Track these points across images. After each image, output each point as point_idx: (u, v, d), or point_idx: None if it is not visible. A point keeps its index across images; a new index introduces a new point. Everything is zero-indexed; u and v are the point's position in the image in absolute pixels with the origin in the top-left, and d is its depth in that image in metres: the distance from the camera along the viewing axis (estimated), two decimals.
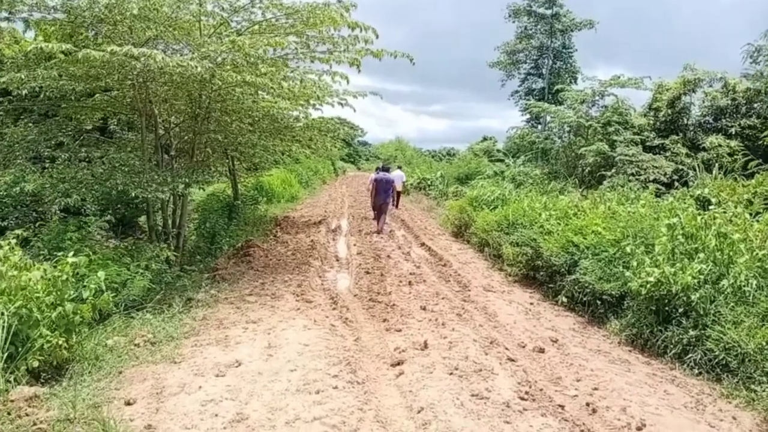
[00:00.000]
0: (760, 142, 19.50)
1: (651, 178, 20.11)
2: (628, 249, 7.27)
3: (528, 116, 40.89)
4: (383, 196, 15.75)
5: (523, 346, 6.36)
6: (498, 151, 41.78)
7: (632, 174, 20.10)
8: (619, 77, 25.70)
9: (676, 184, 17.40)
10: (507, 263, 11.14)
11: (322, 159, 52.71)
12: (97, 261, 6.95)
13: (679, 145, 21.64)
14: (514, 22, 43.24)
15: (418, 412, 4.47)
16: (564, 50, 44.49)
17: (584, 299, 8.12)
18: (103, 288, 6.05)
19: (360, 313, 7.26)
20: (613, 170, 21.36)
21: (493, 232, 12.53)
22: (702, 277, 6.41)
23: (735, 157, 20.04)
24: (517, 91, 45.98)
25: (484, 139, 50.85)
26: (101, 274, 6.16)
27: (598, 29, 41.35)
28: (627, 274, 7.03)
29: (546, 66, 44.47)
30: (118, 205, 12.55)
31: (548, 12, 41.37)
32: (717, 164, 18.01)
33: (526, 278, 10.37)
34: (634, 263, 7.10)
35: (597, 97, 26.36)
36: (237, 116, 11.53)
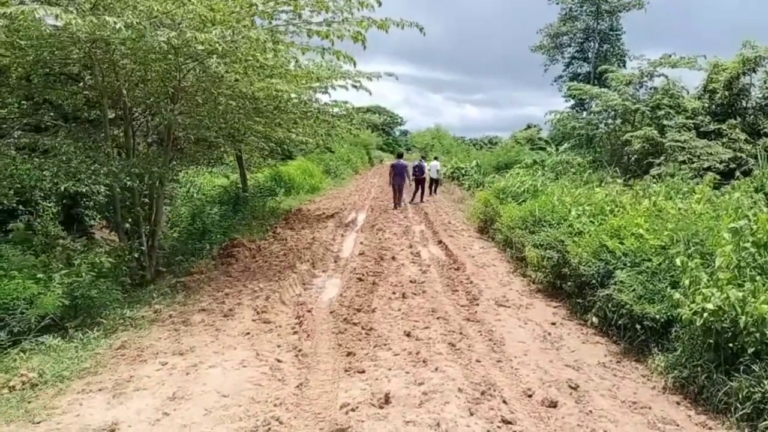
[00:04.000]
0: None
1: (705, 166, 17.91)
2: (678, 261, 5.46)
3: (572, 102, 38.52)
4: (398, 178, 19.04)
5: (530, 395, 4.66)
6: (540, 139, 39.59)
7: (683, 162, 17.95)
8: (670, 56, 23.27)
9: (737, 173, 15.17)
10: (531, 268, 9.40)
11: (356, 147, 51.57)
12: None
13: (737, 130, 19.31)
14: (557, 3, 40.69)
15: None
16: (611, 32, 41.85)
17: (620, 321, 6.35)
18: None
19: (323, 342, 5.69)
20: (662, 158, 19.20)
21: (517, 229, 10.76)
22: None
23: None
24: (561, 76, 43.55)
25: (528, 127, 48.51)
26: None
27: (648, 9, 38.36)
28: (676, 296, 5.23)
29: (592, 49, 41.89)
30: (64, 200, 11.27)
31: None
32: None
33: (552, 287, 8.61)
34: (686, 281, 5.29)
35: (645, 79, 23.99)
36: (224, 98, 10.07)
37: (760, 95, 20.53)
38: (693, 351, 5.12)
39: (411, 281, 8.66)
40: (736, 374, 4.60)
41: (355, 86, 14.06)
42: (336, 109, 16.25)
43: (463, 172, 32.00)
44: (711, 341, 4.87)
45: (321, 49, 9.77)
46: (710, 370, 4.83)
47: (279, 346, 5.56)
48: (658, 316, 5.76)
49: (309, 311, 6.91)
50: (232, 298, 7.37)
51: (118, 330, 6.02)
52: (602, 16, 40.53)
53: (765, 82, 20.10)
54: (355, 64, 10.05)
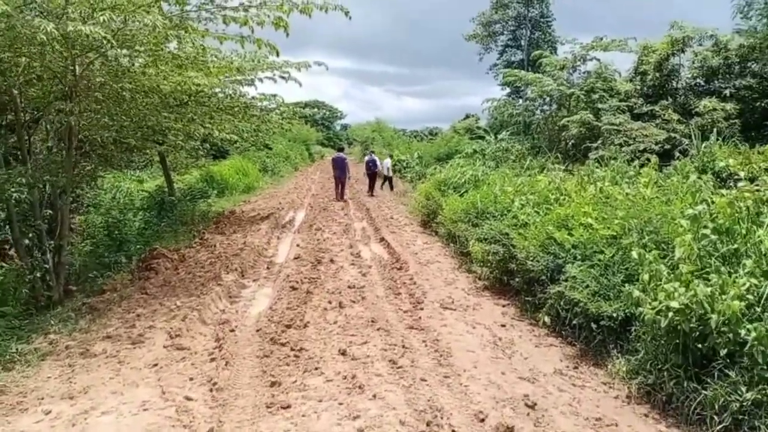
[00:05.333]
0: (758, 104, 17.46)
1: (641, 148, 17.99)
2: (634, 253, 4.97)
3: (508, 90, 38.66)
4: (338, 171, 19.80)
5: (482, 420, 4.04)
6: (479, 128, 39.61)
7: (620, 144, 17.98)
8: (601, 39, 23.34)
9: (677, 154, 15.18)
10: (476, 263, 8.87)
11: (296, 144, 50.34)
12: None
13: (670, 110, 19.47)
14: None
15: None
16: (542, 19, 42.27)
17: (574, 321, 5.85)
18: None
19: (245, 370, 4.91)
20: (599, 141, 19.19)
21: (459, 222, 10.22)
22: (753, 298, 4.13)
23: (732, 121, 18.07)
24: (495, 65, 43.71)
25: (467, 116, 48.50)
26: None
27: None
28: (635, 293, 4.73)
29: (524, 37, 42.21)
30: None
31: None
32: (715, 130, 15.84)
33: (500, 283, 8.10)
34: (645, 276, 4.80)
35: (578, 63, 24.00)
36: (128, 93, 9.00)
37: (690, 75, 20.82)
38: (657, 353, 4.64)
39: (350, 286, 7.94)
40: (708, 380, 4.12)
41: (283, 77, 13.19)
42: (265, 103, 15.32)
43: (404, 164, 31.51)
44: (678, 342, 4.39)
45: (240, 38, 8.88)
46: (678, 376, 4.35)
47: (191, 379, 4.75)
48: (615, 315, 5.27)
49: (232, 331, 6.09)
50: (144, 320, 6.46)
51: (0, 370, 5.05)
52: (532, 3, 40.87)
53: (693, 62, 20.41)
54: (278, 54, 9.26)
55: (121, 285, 8.45)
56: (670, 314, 4.28)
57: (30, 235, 8.79)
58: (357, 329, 6.00)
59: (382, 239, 12.11)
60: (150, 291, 7.83)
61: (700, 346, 4.29)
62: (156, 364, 5.11)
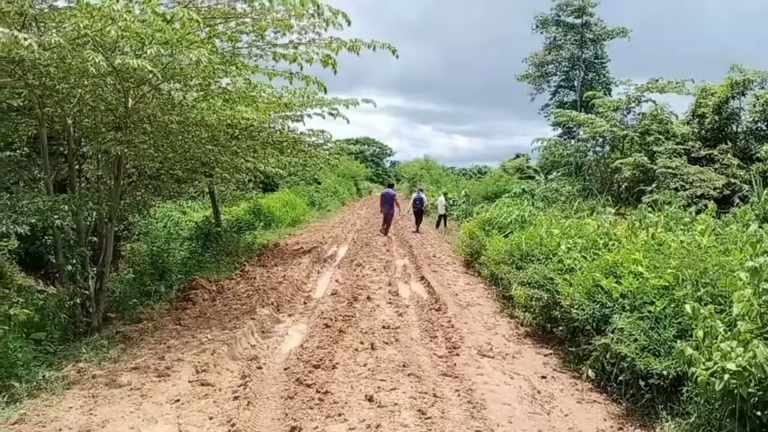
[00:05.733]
0: None
1: (698, 193, 17.27)
2: (687, 307, 4.58)
3: (560, 131, 38.18)
4: (386, 207, 19.81)
5: None
6: (529, 167, 39.16)
7: (676, 189, 17.31)
8: (657, 80, 22.82)
9: (736, 201, 14.45)
10: (518, 308, 8.50)
11: (344, 179, 50.88)
12: None
13: (729, 155, 18.76)
14: (542, 33, 40.65)
15: None
16: (596, 61, 41.78)
17: (620, 377, 5.44)
18: None
19: (266, 411, 4.73)
20: (654, 185, 18.58)
21: (503, 264, 9.89)
22: None
23: None
24: (547, 105, 43.28)
25: (517, 156, 48.06)
26: None
27: (632, 37, 38.31)
28: (688, 351, 4.33)
29: (578, 78, 41.76)
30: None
31: (578, 21, 38.72)
32: None
33: (542, 330, 7.71)
34: (699, 333, 4.40)
35: (633, 104, 23.52)
36: (176, 125, 9.19)
37: (750, 119, 20.04)
38: (711, 419, 4.22)
39: (384, 327, 7.71)
40: None
41: (332, 114, 13.36)
42: (313, 138, 15.50)
43: (451, 202, 31.29)
44: (734, 408, 3.98)
45: (289, 74, 8.99)
46: None
47: (211, 418, 4.59)
48: (665, 373, 4.86)
49: (259, 368, 5.94)
50: (174, 351, 6.39)
51: (25, 397, 5.03)
52: (586, 44, 40.48)
53: (754, 106, 19.64)
54: (325, 90, 9.29)
55: (158, 314, 8.47)
56: (726, 376, 3.88)
57: (73, 261, 8.97)
58: (387, 373, 5.75)
59: (423, 278, 11.86)
60: (184, 322, 7.81)
61: (759, 413, 3.88)
62: (178, 400, 4.98)
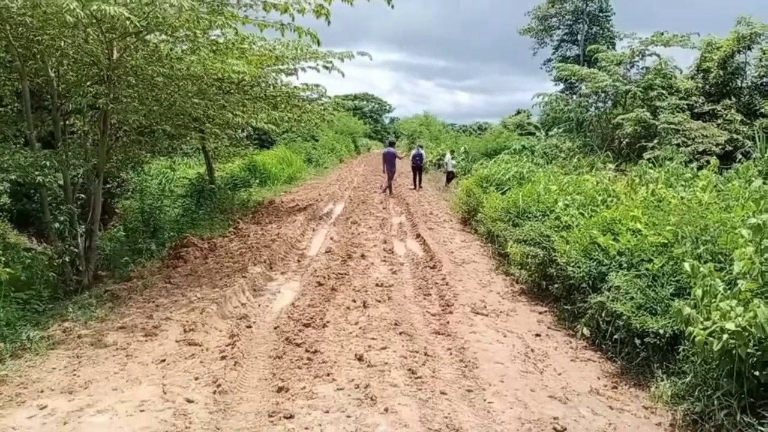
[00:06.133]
0: None
1: (701, 149, 16.99)
2: (686, 266, 4.42)
3: (562, 86, 37.56)
4: (388, 165, 20.05)
5: None
6: (530, 124, 38.69)
7: (678, 145, 17.02)
8: (662, 34, 22.21)
9: (739, 156, 14.20)
10: (514, 265, 8.38)
11: (342, 135, 50.30)
12: None
13: (732, 110, 18.39)
14: None
15: None
16: (600, 14, 40.84)
17: (615, 335, 5.33)
18: None
19: (254, 371, 4.63)
20: (656, 141, 18.27)
21: (499, 222, 9.72)
22: None
23: None
24: (550, 60, 42.49)
25: (518, 112, 47.43)
26: None
27: None
28: (686, 311, 4.19)
29: (581, 32, 40.87)
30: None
31: None
32: None
33: (538, 288, 7.59)
34: (698, 291, 4.25)
35: (637, 58, 22.95)
36: (168, 79, 8.86)
37: (756, 74, 19.59)
38: (707, 378, 4.11)
39: (377, 284, 7.60)
40: (765, 413, 3.60)
41: (326, 67, 12.96)
42: (307, 93, 15.11)
43: (456, 161, 30.91)
44: (731, 368, 3.87)
45: (280, 25, 8.62)
46: (730, 406, 3.81)
47: (196, 379, 4.48)
48: (662, 332, 4.75)
49: (249, 327, 5.84)
50: (162, 310, 6.27)
51: (8, 358, 4.92)
52: None
53: (761, 60, 19.16)
54: (319, 43, 8.97)
55: (149, 272, 8.35)
56: (725, 336, 3.75)
57: (62, 218, 8.79)
58: (378, 332, 5.64)
59: (419, 235, 11.72)
60: (175, 280, 7.68)
61: (757, 373, 3.76)
62: (164, 360, 4.88)
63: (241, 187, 19.44)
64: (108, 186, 17.52)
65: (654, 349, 4.91)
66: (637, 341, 5.06)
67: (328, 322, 5.95)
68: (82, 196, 9.23)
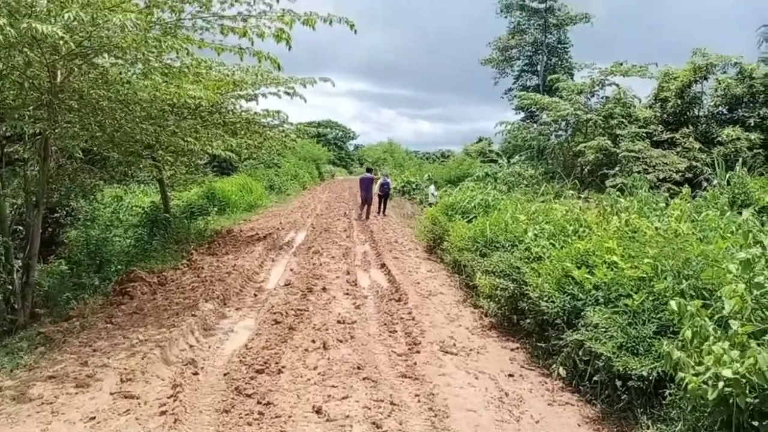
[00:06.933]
0: None
1: (661, 176, 17.19)
2: (673, 304, 4.08)
3: (523, 115, 38.08)
4: (363, 192, 20.30)
5: None
6: (491, 151, 39.00)
7: (638, 172, 17.18)
8: (621, 64, 22.65)
9: (704, 184, 14.31)
10: (483, 297, 8.00)
11: (305, 162, 49.80)
12: None
13: (690, 138, 18.76)
14: (506, 17, 40.43)
15: None
16: (559, 45, 41.83)
17: (595, 377, 4.96)
18: None
19: (196, 428, 4.07)
20: (617, 168, 18.45)
21: (466, 251, 9.37)
22: None
23: (756, 151, 17.27)
24: (510, 89, 43.12)
25: (480, 140, 47.94)
26: None
27: (595, 23, 38.40)
28: (675, 354, 3.83)
29: (541, 62, 41.65)
30: None
31: (542, 6, 38.63)
32: (740, 160, 14.89)
33: (508, 322, 7.22)
34: (688, 332, 3.91)
35: (597, 87, 23.32)
36: (112, 103, 8.25)
37: (712, 103, 20.10)
38: (698, 427, 3.76)
39: (339, 321, 7.10)
40: None
41: (288, 93, 12.56)
42: (268, 119, 14.65)
43: (414, 186, 30.76)
44: (728, 418, 3.52)
45: (238, 49, 8.18)
46: None
47: None
48: (645, 373, 4.39)
49: (195, 374, 5.26)
50: (99, 356, 5.64)
51: None
52: (550, 29, 40.39)
53: (716, 90, 19.66)
54: (279, 67, 8.53)
55: (90, 311, 7.67)
56: (721, 384, 3.41)
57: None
58: (339, 378, 5.14)
59: (383, 265, 11.29)
60: (116, 320, 7.03)
61: (756, 423, 3.43)
62: (94, 417, 4.27)
63: (199, 215, 18.70)
64: (56, 215, 16.66)
65: (637, 392, 4.55)
66: (619, 383, 4.69)
67: (284, 367, 5.41)
68: (20, 228, 8.53)
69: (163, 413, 4.35)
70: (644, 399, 4.53)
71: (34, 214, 8.26)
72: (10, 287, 7.99)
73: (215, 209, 20.04)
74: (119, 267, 10.18)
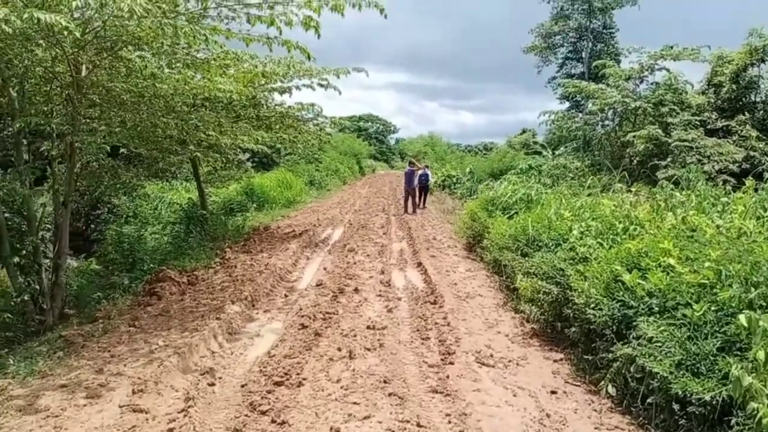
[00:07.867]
0: None
1: (717, 168, 16.12)
2: (742, 318, 3.52)
3: (567, 104, 36.90)
4: (407, 185, 20.70)
5: None
6: (535, 143, 38.01)
7: (693, 163, 16.15)
8: (671, 47, 21.41)
9: (766, 175, 13.30)
10: (524, 301, 7.47)
11: (346, 157, 49.72)
12: None
13: (747, 126, 17.54)
14: (549, 2, 39.14)
15: None
16: (605, 30, 40.38)
17: (649, 398, 4.41)
18: None
19: None
20: (669, 159, 17.41)
21: (506, 250, 8.84)
22: None
23: None
24: (554, 77, 41.91)
25: (523, 131, 46.85)
26: None
27: (642, 6, 36.74)
28: (746, 380, 3.28)
29: (585, 49, 40.33)
30: None
31: None
32: None
33: (552, 329, 6.68)
34: (760, 353, 3.35)
35: (646, 73, 22.12)
36: (128, 95, 8.02)
37: None
38: None
39: (368, 327, 6.69)
40: None
41: (321, 85, 12.26)
42: (302, 112, 14.36)
43: (455, 180, 30.11)
44: None
45: (266, 39, 7.90)
46: None
47: None
48: (709, 398, 3.83)
49: (212, 384, 4.96)
50: (116, 362, 5.41)
51: None
52: (595, 13, 38.95)
53: None
54: (309, 57, 8.20)
55: (117, 312, 7.50)
56: None
57: (23, 252, 8.00)
58: (363, 393, 4.74)
59: (419, 264, 10.85)
60: (141, 322, 6.82)
61: None
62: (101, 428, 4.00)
63: (237, 212, 18.67)
64: (98, 212, 16.83)
65: (698, 419, 3.99)
66: (676, 407, 4.14)
67: (305, 378, 5.05)
68: (49, 227, 8.47)
69: (170, 430, 4.04)
70: (706, 427, 3.97)
71: (62, 212, 8.18)
72: (38, 287, 7.93)
73: (254, 205, 19.99)
74: (151, 266, 10.07)
